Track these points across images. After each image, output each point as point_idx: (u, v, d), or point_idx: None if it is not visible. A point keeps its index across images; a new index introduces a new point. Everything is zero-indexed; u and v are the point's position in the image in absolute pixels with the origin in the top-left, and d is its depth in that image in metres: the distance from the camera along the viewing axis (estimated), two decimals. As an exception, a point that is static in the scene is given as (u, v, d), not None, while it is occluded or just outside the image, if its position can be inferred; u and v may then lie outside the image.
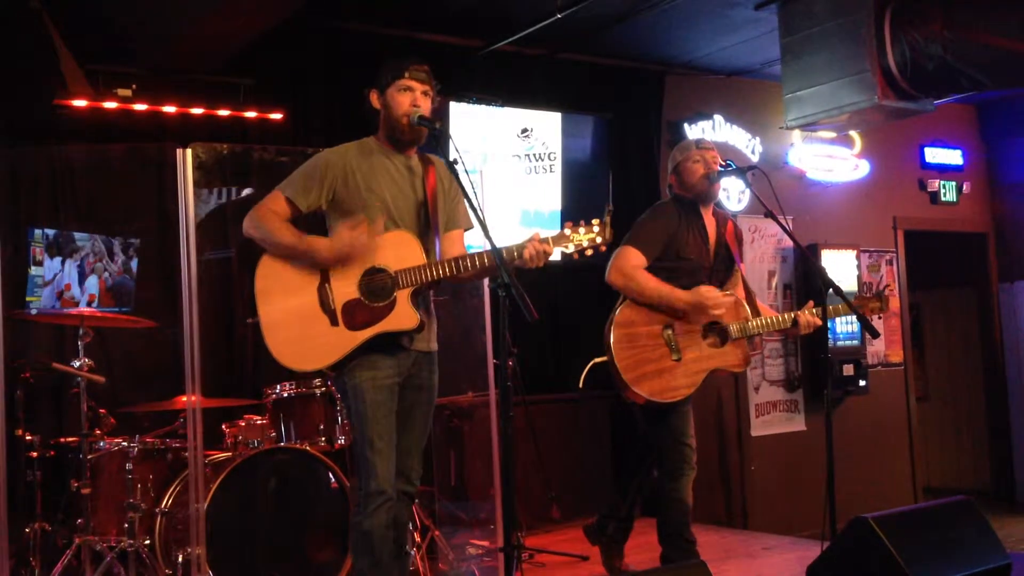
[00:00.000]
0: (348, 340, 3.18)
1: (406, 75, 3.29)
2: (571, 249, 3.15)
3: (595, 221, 3.17)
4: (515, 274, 2.98)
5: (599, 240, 3.15)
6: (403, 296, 3.19)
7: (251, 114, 5.54)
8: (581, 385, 4.15)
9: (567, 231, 3.18)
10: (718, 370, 4.10)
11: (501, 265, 2.96)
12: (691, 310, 3.99)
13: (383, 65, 3.35)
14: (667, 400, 3.98)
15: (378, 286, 3.20)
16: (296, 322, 3.21)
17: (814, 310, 4.10)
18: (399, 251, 3.22)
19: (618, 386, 4.00)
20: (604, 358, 4.01)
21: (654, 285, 3.97)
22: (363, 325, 3.18)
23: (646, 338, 4.00)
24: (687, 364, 4.01)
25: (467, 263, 3.18)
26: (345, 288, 3.21)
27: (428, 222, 3.32)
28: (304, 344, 3.21)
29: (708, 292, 4.00)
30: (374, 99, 3.35)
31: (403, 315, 3.19)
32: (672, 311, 4.01)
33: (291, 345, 3.21)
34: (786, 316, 4.14)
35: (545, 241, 3.14)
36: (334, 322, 3.19)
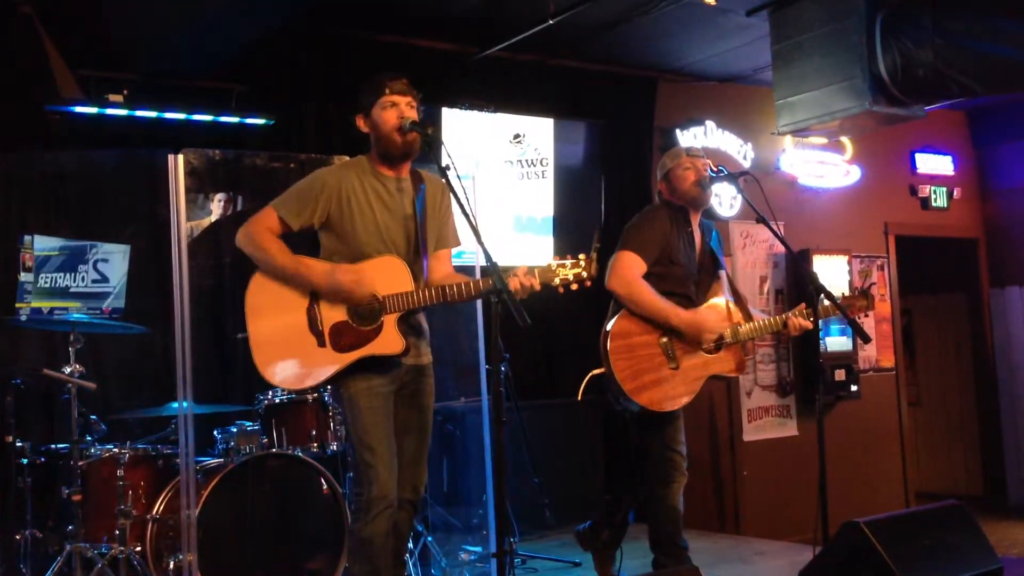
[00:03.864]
0: (334, 361, 3.21)
1: (387, 91, 3.30)
2: (556, 282, 3.18)
3: (581, 256, 3.19)
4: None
5: (584, 275, 3.18)
6: (390, 321, 3.22)
7: (244, 120, 5.52)
8: (580, 398, 4.14)
9: (553, 265, 3.19)
10: (716, 376, 4.11)
11: (497, 276, 2.96)
12: (688, 331, 3.99)
13: (361, 89, 3.37)
14: (667, 409, 3.98)
15: (366, 310, 3.23)
16: (284, 341, 3.25)
17: (804, 311, 4.11)
18: (388, 276, 3.25)
19: (615, 396, 4.00)
20: (602, 370, 4.00)
21: (655, 300, 3.96)
22: (349, 347, 3.21)
23: (643, 348, 3.99)
24: (685, 372, 4.01)
25: (453, 292, 3.21)
26: (334, 310, 3.24)
27: (417, 242, 3.34)
28: (291, 364, 3.25)
29: (708, 315, 4.01)
30: (361, 124, 3.37)
31: (389, 340, 3.22)
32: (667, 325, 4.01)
33: (277, 364, 3.25)
34: (777, 319, 4.15)
35: (531, 274, 3.15)
36: (321, 343, 3.22)
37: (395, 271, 3.26)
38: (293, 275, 3.24)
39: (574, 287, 3.19)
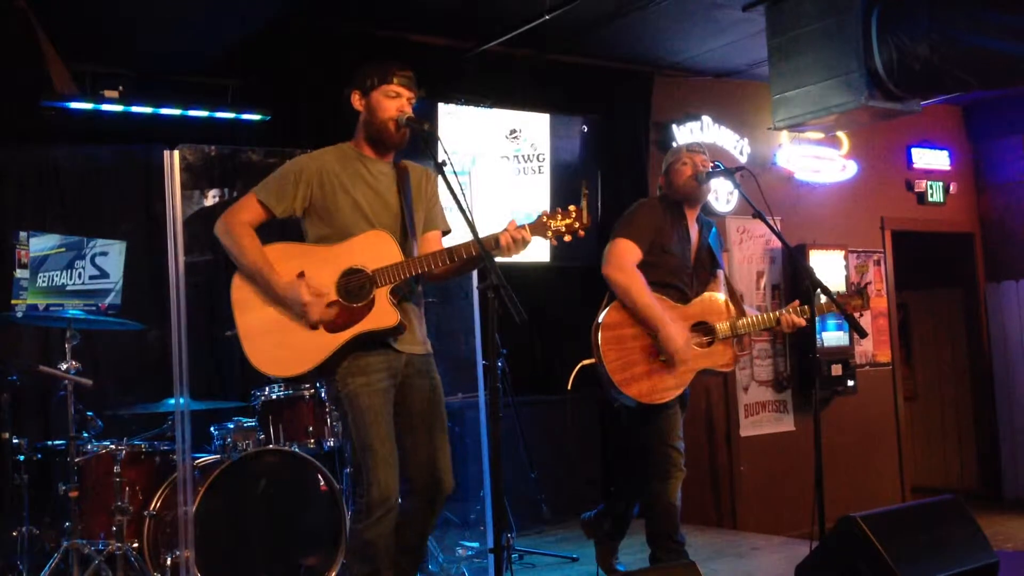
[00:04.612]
0: (329, 343, 3.16)
1: (394, 81, 3.27)
2: (548, 235, 3.17)
3: (571, 207, 3.19)
4: (501, 271, 2.97)
5: (576, 225, 3.18)
6: (381, 294, 3.17)
7: (239, 116, 5.51)
8: (569, 387, 4.14)
9: (544, 218, 3.19)
10: (707, 370, 4.11)
11: (486, 255, 2.95)
12: (664, 345, 3.96)
13: (365, 66, 3.33)
14: (656, 401, 3.99)
15: (356, 286, 3.18)
16: (275, 330, 3.20)
17: (799, 308, 4.12)
18: (375, 250, 3.20)
19: (606, 388, 4.00)
20: (592, 360, 4.01)
21: (649, 301, 3.97)
22: (343, 327, 3.16)
23: (634, 339, 4.00)
24: (675, 365, 4.02)
25: (444, 257, 3.17)
26: (323, 292, 3.19)
27: (406, 227, 3.31)
28: (284, 351, 3.19)
29: (685, 351, 3.99)
30: (356, 100, 3.32)
31: (382, 314, 3.17)
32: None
33: (270, 352, 3.20)
34: (770, 315, 4.15)
35: (522, 228, 3.14)
36: (313, 326, 3.18)
37: (382, 244, 3.21)
38: (257, 275, 3.19)
39: (567, 238, 3.18)
